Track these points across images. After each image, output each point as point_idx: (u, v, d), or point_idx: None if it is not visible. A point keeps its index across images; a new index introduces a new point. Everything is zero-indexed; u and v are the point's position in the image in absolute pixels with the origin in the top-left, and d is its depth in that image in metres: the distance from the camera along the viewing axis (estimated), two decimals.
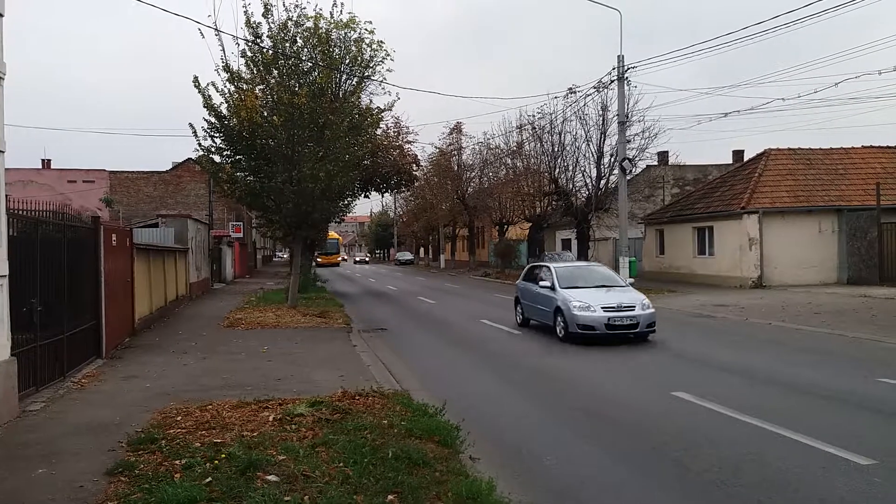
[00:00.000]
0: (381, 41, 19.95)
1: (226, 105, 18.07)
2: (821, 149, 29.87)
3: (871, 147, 30.50)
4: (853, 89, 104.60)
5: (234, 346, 13.38)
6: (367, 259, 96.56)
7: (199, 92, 17.66)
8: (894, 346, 12.48)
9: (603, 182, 31.19)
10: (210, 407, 7.83)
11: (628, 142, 28.01)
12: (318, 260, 63.56)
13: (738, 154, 45.21)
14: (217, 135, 18.30)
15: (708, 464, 6.20)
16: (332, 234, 68.82)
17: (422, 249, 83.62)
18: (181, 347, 13.14)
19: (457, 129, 48.99)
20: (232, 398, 8.29)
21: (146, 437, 6.58)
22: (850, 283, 25.64)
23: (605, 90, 28.88)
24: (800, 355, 12.16)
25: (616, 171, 29.08)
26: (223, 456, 5.92)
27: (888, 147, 31.04)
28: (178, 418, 7.37)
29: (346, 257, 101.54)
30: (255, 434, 6.67)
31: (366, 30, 19.58)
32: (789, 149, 29.67)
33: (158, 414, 7.61)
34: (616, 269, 30.76)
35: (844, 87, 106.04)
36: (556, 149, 32.79)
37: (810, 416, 7.85)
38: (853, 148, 30.24)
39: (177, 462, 5.86)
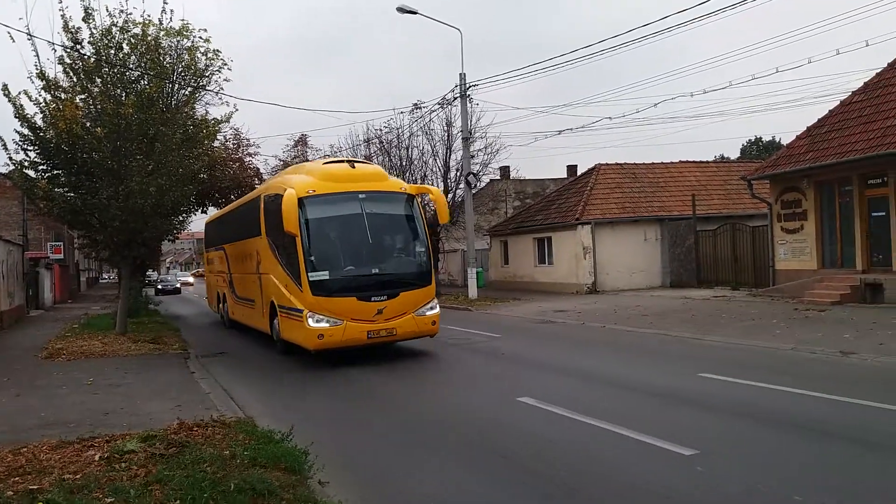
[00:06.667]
0: (218, 50, 19.14)
1: (41, 115, 16.50)
2: (644, 163, 32.58)
3: (688, 162, 33.77)
4: (671, 109, 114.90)
5: (54, 379, 12.13)
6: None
7: (10, 101, 16.03)
8: (711, 344, 13.71)
9: (450, 196, 31.94)
10: (25, 450, 7.00)
11: (472, 157, 29.01)
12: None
13: (571, 169, 48.06)
14: (31, 148, 16.64)
15: (555, 467, 6.41)
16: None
17: None
18: None
19: (302, 141, 47.78)
20: (52, 438, 7.48)
21: None
22: (673, 286, 28.02)
23: (450, 107, 29.77)
24: (630, 356, 13.03)
25: (462, 186, 29.91)
26: None
27: (702, 161, 34.79)
28: None
29: (191, 280, 76.00)
30: (78, 476, 6.05)
31: (200, 38, 18.67)
32: (617, 164, 32.04)
33: None
34: (465, 279, 31.71)
35: (663, 108, 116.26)
36: (404, 163, 33.16)
37: (641, 413, 8.38)
38: (672, 163, 33.26)
39: None
